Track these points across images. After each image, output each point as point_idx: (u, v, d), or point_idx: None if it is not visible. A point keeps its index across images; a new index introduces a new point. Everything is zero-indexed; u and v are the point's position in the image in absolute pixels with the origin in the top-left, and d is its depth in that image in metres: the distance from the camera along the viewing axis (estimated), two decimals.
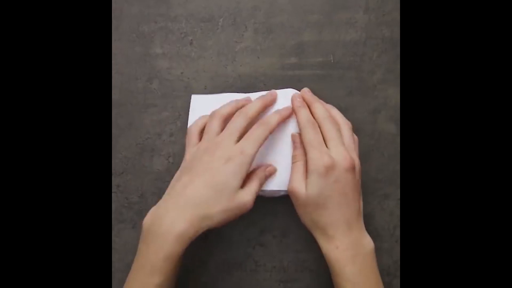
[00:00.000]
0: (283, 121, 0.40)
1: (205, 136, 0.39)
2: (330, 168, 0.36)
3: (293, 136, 0.40)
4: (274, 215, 0.45)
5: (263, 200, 0.45)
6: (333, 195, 0.36)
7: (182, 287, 0.45)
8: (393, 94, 0.45)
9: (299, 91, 0.43)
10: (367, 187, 0.45)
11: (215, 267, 0.45)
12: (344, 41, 0.45)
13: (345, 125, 0.40)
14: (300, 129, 0.39)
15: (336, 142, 0.38)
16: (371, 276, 0.36)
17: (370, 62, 0.45)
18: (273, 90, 0.42)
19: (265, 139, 0.38)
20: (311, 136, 0.38)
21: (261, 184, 0.39)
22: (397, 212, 0.46)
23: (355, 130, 0.43)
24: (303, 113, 0.39)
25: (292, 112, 0.41)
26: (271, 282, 0.45)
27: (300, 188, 0.37)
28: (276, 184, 0.41)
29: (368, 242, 0.38)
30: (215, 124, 0.39)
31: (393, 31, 0.45)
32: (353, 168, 0.37)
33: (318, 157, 0.36)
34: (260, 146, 0.37)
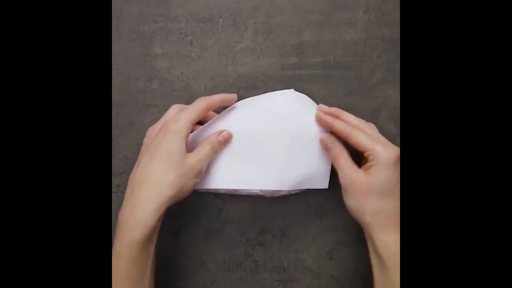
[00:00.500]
0: (225, 101, 0.41)
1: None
2: (399, 158, 0.36)
3: (323, 140, 0.40)
4: (274, 215, 0.45)
5: (263, 200, 0.45)
6: (398, 184, 0.36)
7: (182, 287, 0.45)
8: (393, 94, 0.45)
9: (299, 91, 0.43)
10: None
11: (215, 267, 0.45)
12: (344, 41, 0.45)
13: (375, 128, 0.41)
14: (346, 137, 0.38)
15: (383, 138, 0.39)
16: None
17: (370, 62, 0.45)
18: (267, 93, 0.43)
19: (202, 111, 0.39)
20: (365, 135, 0.38)
21: (213, 148, 0.40)
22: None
23: None
24: (340, 123, 0.39)
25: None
26: (271, 282, 0.45)
27: (359, 176, 0.37)
28: (277, 184, 0.41)
29: None
30: (162, 120, 0.41)
31: (393, 31, 0.45)
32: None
33: (384, 149, 0.37)
34: (196, 117, 0.39)
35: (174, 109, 0.42)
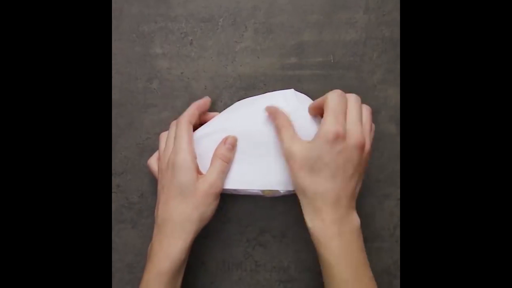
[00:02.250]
0: (200, 108, 0.42)
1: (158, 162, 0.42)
2: (339, 138, 0.34)
3: (269, 108, 0.39)
4: (274, 215, 0.45)
5: (263, 200, 0.45)
6: (331, 165, 0.35)
7: (181, 287, 0.45)
8: (393, 94, 0.45)
9: (299, 91, 0.43)
10: (367, 187, 0.45)
11: (215, 267, 0.45)
12: (344, 41, 0.45)
13: (367, 110, 0.38)
14: (327, 95, 0.37)
15: (355, 119, 0.36)
16: (356, 253, 0.35)
17: (370, 62, 0.45)
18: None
19: (189, 126, 0.40)
20: (336, 103, 0.36)
21: (224, 159, 0.40)
22: (397, 212, 0.46)
23: None
24: (330, 93, 0.37)
25: None
26: (271, 282, 0.45)
27: (297, 149, 0.36)
28: (277, 184, 0.41)
29: (354, 219, 0.36)
30: (161, 144, 0.42)
31: (393, 31, 0.45)
32: (362, 147, 0.35)
33: (332, 124, 0.35)
34: (190, 137, 0.39)
35: (163, 138, 0.42)
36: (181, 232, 0.38)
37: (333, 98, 0.36)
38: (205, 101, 0.43)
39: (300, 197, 0.37)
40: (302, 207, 0.37)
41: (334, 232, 0.35)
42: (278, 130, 0.39)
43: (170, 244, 0.38)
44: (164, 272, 0.37)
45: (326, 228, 0.35)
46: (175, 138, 0.40)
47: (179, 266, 0.38)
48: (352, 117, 0.36)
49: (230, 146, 0.40)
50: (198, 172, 0.39)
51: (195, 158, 0.39)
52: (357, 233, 0.36)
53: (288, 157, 0.37)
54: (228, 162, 0.40)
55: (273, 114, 0.39)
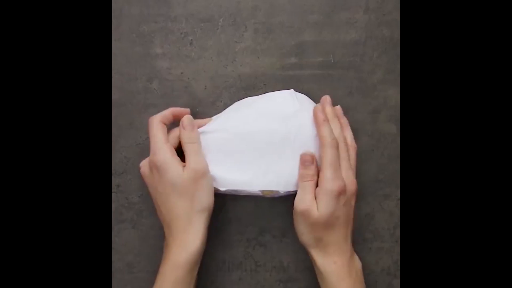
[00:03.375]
0: (175, 114, 0.42)
1: None
2: (342, 192, 0.38)
3: (304, 155, 0.40)
4: (274, 215, 0.45)
5: (263, 200, 0.45)
6: (341, 216, 0.38)
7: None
8: (393, 94, 0.45)
9: (299, 91, 0.43)
10: (367, 187, 0.45)
11: (215, 267, 0.45)
12: (344, 41, 0.45)
13: (353, 149, 0.42)
14: (322, 146, 0.39)
15: (346, 165, 0.39)
16: None
17: (370, 62, 0.45)
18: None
19: (161, 126, 0.40)
20: (333, 158, 0.38)
21: (190, 142, 0.40)
22: (397, 212, 0.46)
23: (355, 130, 0.43)
24: (328, 130, 0.39)
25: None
26: (271, 282, 0.45)
27: (313, 208, 0.38)
28: (276, 185, 0.41)
29: (357, 259, 0.40)
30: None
31: (393, 31, 0.45)
32: (356, 192, 0.40)
33: (333, 179, 0.37)
34: (163, 134, 0.39)
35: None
36: (191, 225, 0.38)
37: (331, 153, 0.38)
38: (182, 111, 0.43)
39: (311, 246, 0.40)
40: (311, 252, 0.40)
41: (345, 273, 0.38)
42: (302, 180, 0.40)
43: (183, 238, 0.38)
44: (181, 264, 0.37)
45: (339, 270, 0.38)
46: (150, 139, 0.40)
47: (196, 258, 0.39)
48: (344, 164, 0.39)
49: (189, 126, 0.40)
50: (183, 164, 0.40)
51: (175, 153, 0.39)
52: (361, 272, 0.40)
53: (302, 215, 0.39)
54: (196, 142, 0.40)
55: (306, 163, 0.39)
